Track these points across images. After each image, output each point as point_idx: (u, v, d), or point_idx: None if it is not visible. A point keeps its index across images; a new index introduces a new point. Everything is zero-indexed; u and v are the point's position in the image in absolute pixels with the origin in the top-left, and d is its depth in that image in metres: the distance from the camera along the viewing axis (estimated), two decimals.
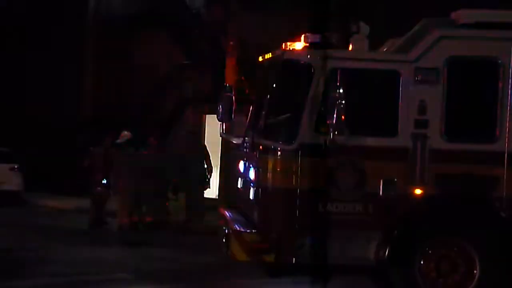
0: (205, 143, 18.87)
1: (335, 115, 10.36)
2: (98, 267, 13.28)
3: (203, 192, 17.69)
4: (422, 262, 10.73)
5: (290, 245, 10.65)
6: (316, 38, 10.97)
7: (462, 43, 10.94)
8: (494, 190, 10.76)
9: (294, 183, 10.63)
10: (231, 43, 17.68)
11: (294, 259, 10.70)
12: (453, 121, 10.81)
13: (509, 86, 10.81)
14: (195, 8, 22.14)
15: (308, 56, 10.85)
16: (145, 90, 23.61)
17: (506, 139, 10.74)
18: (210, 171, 17.62)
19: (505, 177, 10.71)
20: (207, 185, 17.55)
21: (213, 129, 17.74)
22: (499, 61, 10.77)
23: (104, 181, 17.28)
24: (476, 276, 10.71)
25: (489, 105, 10.87)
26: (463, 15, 11.08)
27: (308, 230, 10.61)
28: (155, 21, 23.36)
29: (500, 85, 10.80)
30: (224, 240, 11.25)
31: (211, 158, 17.70)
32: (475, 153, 10.81)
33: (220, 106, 11.67)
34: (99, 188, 17.37)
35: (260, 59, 11.82)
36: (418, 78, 10.77)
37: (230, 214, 11.72)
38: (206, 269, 13.47)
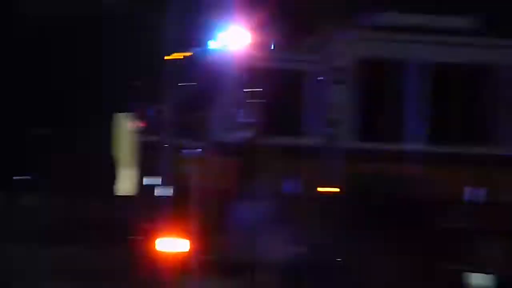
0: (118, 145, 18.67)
1: (248, 114, 10.66)
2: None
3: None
4: (337, 257, 11.05)
5: (208, 240, 10.84)
6: (232, 38, 11.22)
7: (373, 45, 11.30)
8: (404, 188, 11.03)
9: (208, 180, 10.81)
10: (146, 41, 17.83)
11: (211, 255, 10.91)
12: (362, 121, 11.10)
13: (417, 86, 11.25)
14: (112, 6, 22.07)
15: (223, 56, 11.07)
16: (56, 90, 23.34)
17: (413, 137, 11.14)
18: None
19: (413, 176, 11.05)
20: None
21: (127, 128, 17.81)
22: (408, 63, 11.18)
23: None
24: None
25: (398, 105, 11.24)
26: (372, 18, 11.46)
27: (223, 226, 10.78)
28: None
29: (409, 84, 11.22)
30: (140, 236, 11.43)
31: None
32: (385, 152, 11.11)
33: (136, 105, 11.87)
34: None
35: (176, 57, 12.05)
36: (330, 79, 11.02)
37: (147, 210, 11.90)
38: (126, 265, 13.49)
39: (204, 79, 11.13)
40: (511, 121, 11.63)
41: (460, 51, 11.57)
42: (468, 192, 11.51)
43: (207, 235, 10.86)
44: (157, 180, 11.78)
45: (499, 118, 11.58)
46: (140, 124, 11.96)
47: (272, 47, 11.82)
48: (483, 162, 11.38)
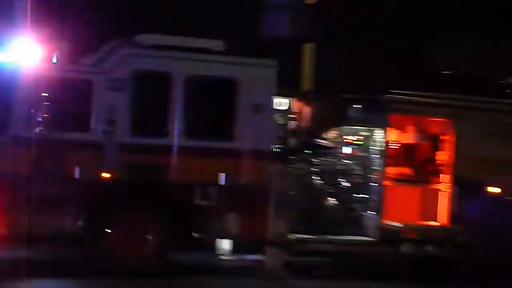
0: None
1: (43, 114, 10.88)
2: None
3: None
4: (111, 230, 11.30)
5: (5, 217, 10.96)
6: (29, 49, 11.18)
7: (144, 60, 11.56)
8: (166, 175, 11.48)
9: (8, 169, 10.87)
10: None
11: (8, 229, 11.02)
12: (135, 121, 11.41)
13: (178, 93, 11.60)
14: None
15: (21, 66, 11.08)
16: None
17: (175, 134, 11.50)
18: None
19: (174, 165, 11.52)
20: None
21: None
22: (171, 75, 11.56)
23: None
24: (150, 240, 11.47)
25: (164, 107, 11.56)
26: (145, 38, 11.78)
27: (22, 206, 10.92)
28: None
29: (172, 92, 11.54)
30: None
31: None
32: (153, 146, 11.46)
33: None
34: None
35: None
36: (109, 86, 11.28)
37: None
38: None
39: (6, 84, 11.11)
40: (246, 122, 11.86)
41: (210, 66, 11.84)
42: (217, 177, 11.72)
43: (5, 212, 10.96)
44: None
45: (238, 119, 11.87)
46: None
47: (59, 58, 11.51)
48: (227, 153, 11.81)
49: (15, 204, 10.87)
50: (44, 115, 10.89)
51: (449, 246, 13.05)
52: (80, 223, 11.19)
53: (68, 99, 11.20)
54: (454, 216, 13.08)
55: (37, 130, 10.89)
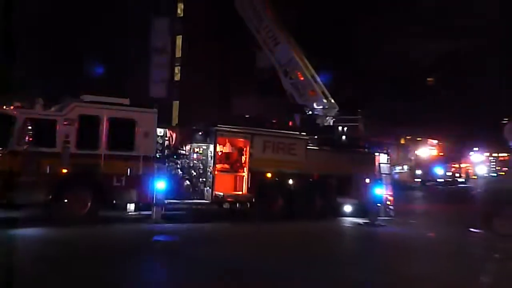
0: None
1: (24, 137, 11.28)
2: None
3: None
4: (68, 200, 11.89)
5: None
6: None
7: (85, 108, 12.16)
8: (98, 170, 11.84)
9: (7, 167, 11.22)
10: None
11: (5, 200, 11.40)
12: (80, 141, 11.93)
13: (104, 126, 11.90)
14: None
15: (16, 112, 11.55)
16: None
17: (102, 148, 11.98)
18: None
19: (102, 164, 12.03)
20: None
21: None
22: (100, 117, 11.88)
23: None
24: (89, 205, 11.75)
25: (96, 133, 11.99)
26: (85, 97, 12.46)
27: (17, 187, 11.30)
28: None
29: (101, 126, 12.00)
30: None
31: None
32: (90, 154, 11.99)
33: None
34: None
35: None
36: (65, 123, 11.95)
37: None
38: None
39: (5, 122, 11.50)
40: (141, 141, 12.04)
41: (121, 112, 12.17)
42: (126, 171, 11.98)
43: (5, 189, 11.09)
44: None
45: (136, 140, 12.10)
46: None
47: (37, 107, 11.82)
48: (131, 158, 12.12)
49: (12, 185, 11.23)
50: (29, 138, 11.42)
51: (247, 204, 14.48)
52: (50, 196, 11.72)
53: (43, 129, 11.70)
54: (249, 189, 14.43)
55: (25, 146, 11.39)
